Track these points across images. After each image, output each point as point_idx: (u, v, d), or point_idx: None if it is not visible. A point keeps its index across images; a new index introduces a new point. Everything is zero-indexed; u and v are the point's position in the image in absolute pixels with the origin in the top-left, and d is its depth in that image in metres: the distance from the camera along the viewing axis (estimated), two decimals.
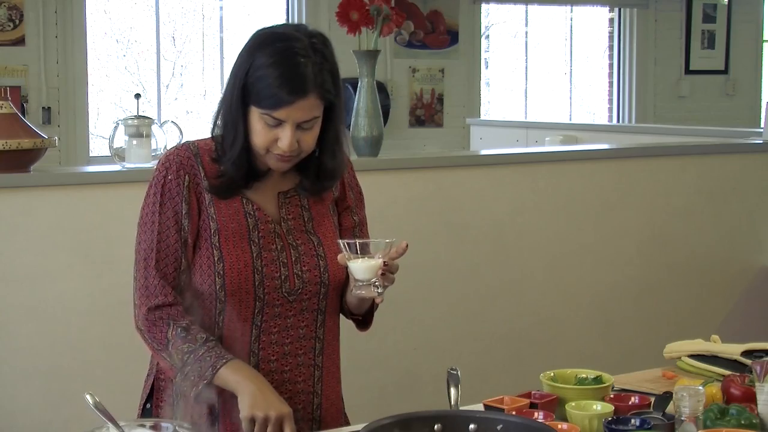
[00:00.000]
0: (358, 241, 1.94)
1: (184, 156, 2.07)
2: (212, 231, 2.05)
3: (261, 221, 2.07)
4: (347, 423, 2.22)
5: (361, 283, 1.95)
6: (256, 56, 1.99)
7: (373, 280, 1.94)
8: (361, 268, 1.93)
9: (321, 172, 2.10)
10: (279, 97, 1.96)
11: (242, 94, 2.00)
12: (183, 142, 2.18)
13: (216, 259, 2.03)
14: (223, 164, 2.05)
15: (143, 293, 2.03)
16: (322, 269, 2.09)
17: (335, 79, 2.02)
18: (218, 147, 2.07)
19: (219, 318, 2.05)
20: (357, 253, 1.93)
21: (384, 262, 1.94)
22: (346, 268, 1.98)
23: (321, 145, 2.08)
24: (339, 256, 1.97)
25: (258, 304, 2.04)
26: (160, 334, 2.01)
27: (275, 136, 1.99)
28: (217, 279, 2.02)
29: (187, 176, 2.05)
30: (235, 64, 2.04)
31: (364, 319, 2.20)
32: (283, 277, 2.06)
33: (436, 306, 3.75)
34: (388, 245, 1.95)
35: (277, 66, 1.96)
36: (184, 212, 2.04)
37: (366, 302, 2.12)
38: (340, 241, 1.97)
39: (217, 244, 2.03)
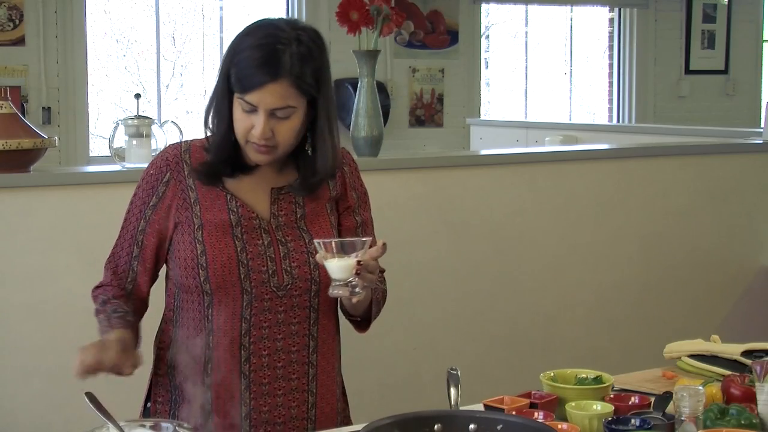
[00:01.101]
0: (333, 240, 1.93)
1: (172, 154, 2.12)
2: (196, 227, 2.06)
3: (244, 218, 2.08)
4: (346, 423, 2.22)
5: (337, 283, 1.93)
6: (241, 43, 2.01)
7: (350, 279, 1.92)
8: (336, 267, 1.92)
9: (309, 168, 2.11)
10: (250, 79, 1.97)
11: (227, 80, 2.02)
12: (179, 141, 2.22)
13: (199, 252, 2.05)
14: (208, 152, 2.08)
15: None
16: (312, 266, 2.08)
17: (318, 74, 2.01)
18: (208, 137, 2.10)
19: (208, 311, 2.07)
20: (333, 252, 1.92)
21: (359, 261, 1.93)
22: None
23: (312, 142, 2.09)
24: (317, 256, 1.96)
25: (246, 297, 2.05)
26: (95, 309, 2.15)
27: (251, 123, 1.99)
28: (200, 271, 2.04)
29: (169, 173, 2.10)
30: (224, 53, 2.07)
31: (362, 320, 2.20)
32: (270, 271, 2.06)
33: (436, 306, 3.75)
34: (365, 244, 1.94)
35: (255, 50, 1.97)
36: (150, 203, 2.10)
37: (362, 303, 2.11)
38: (315, 240, 1.96)
39: (201, 239, 2.05)
